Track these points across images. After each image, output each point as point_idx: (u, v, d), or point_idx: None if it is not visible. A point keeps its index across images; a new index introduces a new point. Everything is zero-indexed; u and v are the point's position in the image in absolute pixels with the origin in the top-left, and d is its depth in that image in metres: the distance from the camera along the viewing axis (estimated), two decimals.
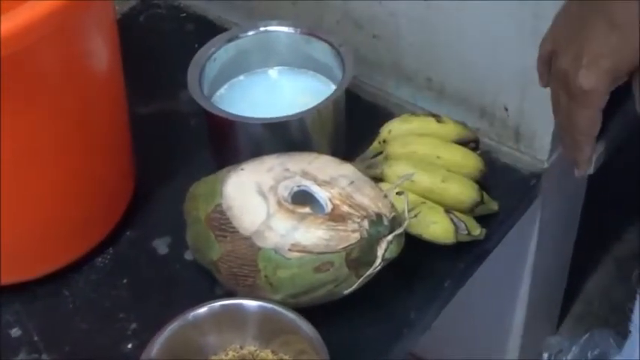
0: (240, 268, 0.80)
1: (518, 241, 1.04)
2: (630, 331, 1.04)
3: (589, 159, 0.76)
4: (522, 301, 1.17)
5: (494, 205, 0.92)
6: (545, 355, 1.35)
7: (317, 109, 0.90)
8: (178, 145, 1.03)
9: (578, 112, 0.72)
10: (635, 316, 1.03)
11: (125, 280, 0.91)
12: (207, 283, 0.87)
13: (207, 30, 1.15)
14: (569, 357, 1.33)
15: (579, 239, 1.28)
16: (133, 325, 0.87)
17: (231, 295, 0.83)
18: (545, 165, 0.99)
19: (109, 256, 0.92)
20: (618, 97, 0.76)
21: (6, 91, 0.73)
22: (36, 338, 0.86)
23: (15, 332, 0.87)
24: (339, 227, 0.79)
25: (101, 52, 0.83)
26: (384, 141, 0.94)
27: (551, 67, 0.74)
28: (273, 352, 0.81)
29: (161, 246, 0.93)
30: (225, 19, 1.17)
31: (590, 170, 0.78)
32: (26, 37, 0.70)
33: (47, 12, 0.70)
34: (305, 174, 0.83)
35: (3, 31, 0.68)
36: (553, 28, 0.75)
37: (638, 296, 1.00)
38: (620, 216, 1.55)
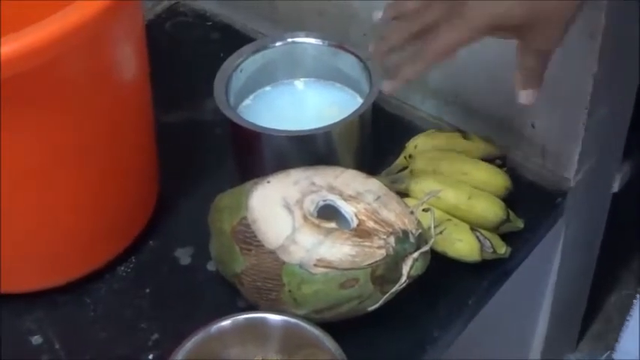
0: (263, 282, 0.79)
1: (541, 258, 1.03)
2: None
3: (409, 80, 0.75)
4: (544, 318, 1.16)
5: (519, 223, 0.91)
6: None
7: (344, 123, 0.90)
8: (202, 154, 1.03)
9: (442, 30, 0.71)
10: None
11: (147, 290, 0.90)
12: (230, 295, 0.87)
13: (233, 39, 1.15)
14: None
15: (600, 256, 1.27)
16: (155, 336, 0.87)
17: (253, 308, 0.83)
18: (572, 183, 0.98)
19: (131, 265, 0.92)
20: None
21: (34, 101, 0.73)
22: (57, 346, 0.86)
23: (36, 340, 0.87)
24: (365, 243, 0.78)
25: (130, 61, 0.83)
26: (410, 156, 0.94)
27: None
28: None
29: (184, 256, 0.93)
30: (250, 29, 1.17)
31: (397, 88, 0.76)
32: (55, 48, 0.70)
33: (77, 23, 0.70)
34: (331, 188, 0.82)
35: (30, 42, 0.68)
36: None
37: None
38: None
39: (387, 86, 0.77)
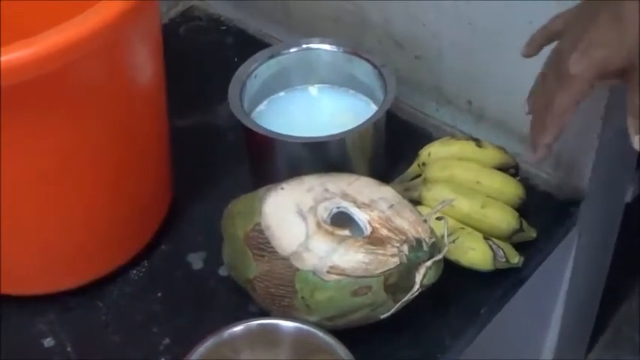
0: (276, 288, 0.79)
1: (553, 268, 1.03)
2: None
3: (548, 145, 0.75)
4: (555, 327, 1.16)
5: (532, 233, 0.91)
6: None
7: (358, 130, 0.90)
8: (215, 159, 1.03)
9: (557, 94, 0.72)
10: None
11: (159, 294, 0.90)
12: (241, 300, 0.87)
13: (247, 44, 1.15)
14: None
15: (612, 266, 1.27)
16: (166, 340, 0.87)
17: (265, 313, 0.83)
18: (585, 193, 0.97)
19: (143, 269, 0.92)
20: None
21: (48, 105, 0.74)
22: (69, 349, 0.86)
23: (48, 342, 0.87)
24: (378, 251, 0.78)
25: (146, 65, 0.83)
26: (424, 164, 0.94)
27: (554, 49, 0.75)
28: None
29: (196, 261, 0.93)
30: (264, 34, 1.17)
31: (541, 156, 0.76)
32: (72, 53, 0.70)
33: (95, 27, 0.70)
34: (345, 195, 0.82)
35: (49, 46, 0.68)
36: (568, 11, 0.75)
37: None
38: None
39: (530, 157, 0.78)
